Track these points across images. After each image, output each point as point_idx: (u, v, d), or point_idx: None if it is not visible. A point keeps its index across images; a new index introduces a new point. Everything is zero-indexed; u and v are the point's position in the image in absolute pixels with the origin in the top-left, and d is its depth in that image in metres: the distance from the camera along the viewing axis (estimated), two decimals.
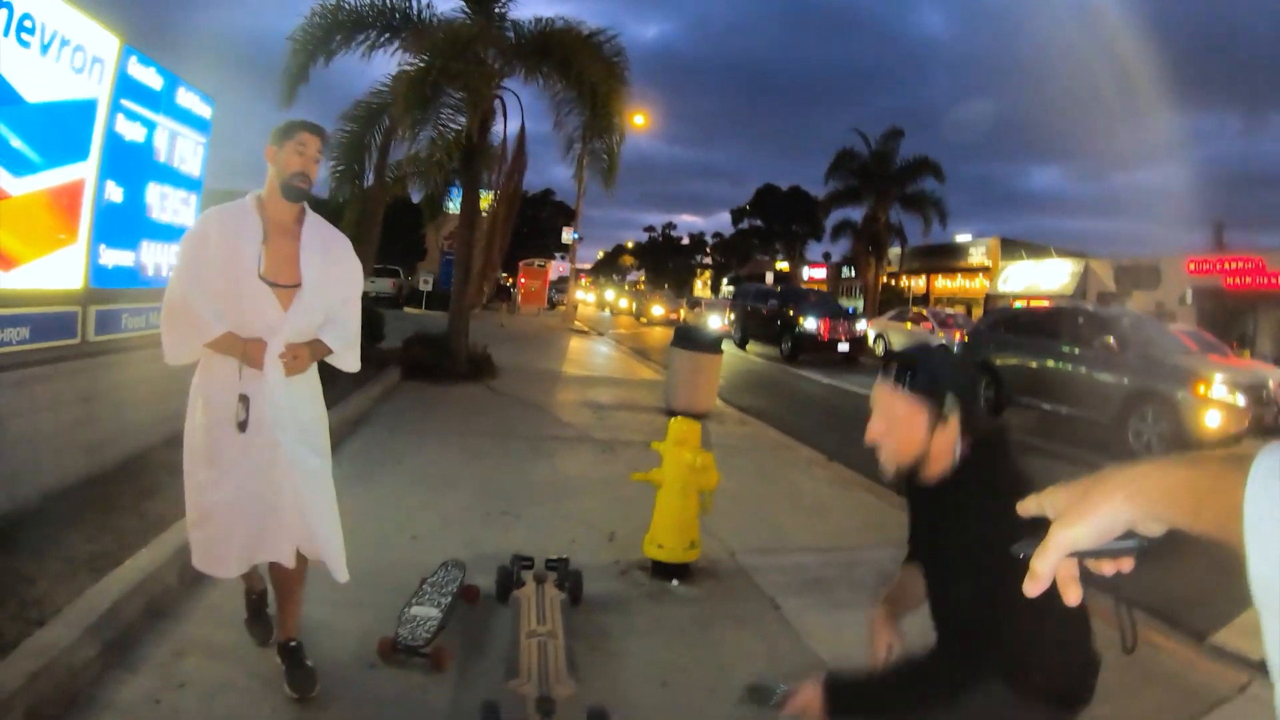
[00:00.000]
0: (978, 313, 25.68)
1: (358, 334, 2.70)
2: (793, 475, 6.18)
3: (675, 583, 3.71)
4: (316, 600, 2.86)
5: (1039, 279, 25.97)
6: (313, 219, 2.58)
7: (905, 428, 1.62)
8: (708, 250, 66.13)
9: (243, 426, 2.40)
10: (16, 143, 3.40)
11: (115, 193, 4.24)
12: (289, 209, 2.49)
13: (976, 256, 30.74)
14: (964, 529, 1.54)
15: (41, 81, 3.51)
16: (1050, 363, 9.82)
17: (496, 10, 9.52)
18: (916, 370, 1.62)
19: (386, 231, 11.12)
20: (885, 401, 1.65)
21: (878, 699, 1.60)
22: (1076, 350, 9.54)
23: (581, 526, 4.52)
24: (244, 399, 2.40)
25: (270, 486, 2.44)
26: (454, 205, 13.36)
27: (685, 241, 69.56)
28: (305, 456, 2.49)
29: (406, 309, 24.37)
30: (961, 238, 32.46)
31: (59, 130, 3.71)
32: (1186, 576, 4.70)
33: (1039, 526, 0.74)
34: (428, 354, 9.86)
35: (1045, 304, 12.78)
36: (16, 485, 3.61)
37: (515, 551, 3.61)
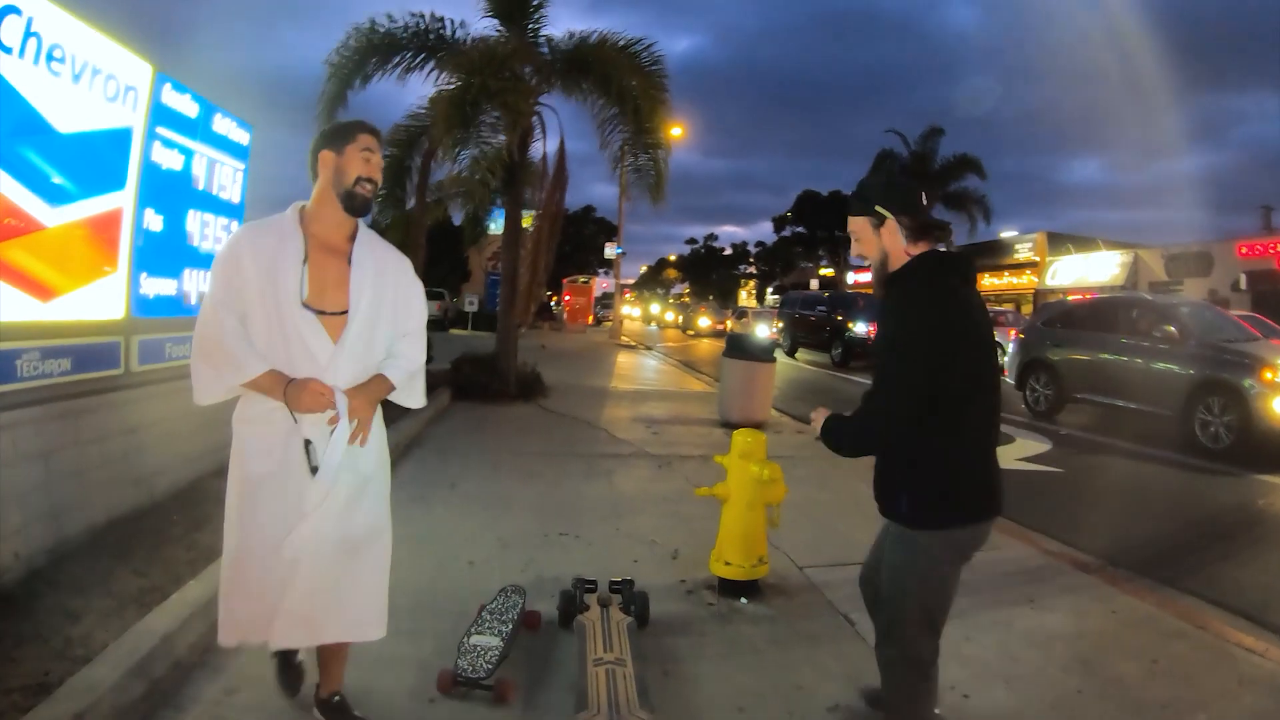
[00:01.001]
0: (1027, 310, 25.41)
1: (422, 367, 2.38)
2: (855, 483, 5.98)
3: (744, 601, 3.58)
4: None
5: (1088, 272, 25.52)
6: (365, 235, 2.26)
7: (862, 239, 2.20)
8: (751, 260, 65.74)
9: (315, 471, 2.09)
10: (50, 173, 3.35)
11: (154, 221, 4.20)
12: (342, 224, 2.19)
13: (1023, 252, 30.22)
14: (883, 320, 2.16)
15: (73, 111, 3.47)
16: (1108, 356, 9.54)
17: (530, 27, 9.49)
18: (854, 196, 2.21)
19: (430, 254, 11.17)
20: (850, 226, 2.23)
21: (839, 431, 2.21)
22: (1135, 342, 9.26)
23: (643, 545, 4.36)
24: (308, 443, 2.09)
25: (322, 557, 2.13)
26: (496, 226, 13.38)
27: (728, 252, 69.31)
28: (365, 518, 2.23)
29: (453, 330, 24.67)
30: (1007, 234, 32.02)
31: (94, 160, 3.66)
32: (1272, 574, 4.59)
33: None
34: (477, 374, 9.84)
35: (1098, 296, 12.30)
36: (63, 519, 3.54)
37: (577, 574, 3.49)
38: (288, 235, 2.12)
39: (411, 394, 2.35)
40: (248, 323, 2.06)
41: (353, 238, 2.22)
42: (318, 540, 2.11)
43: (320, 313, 2.09)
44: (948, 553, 2.13)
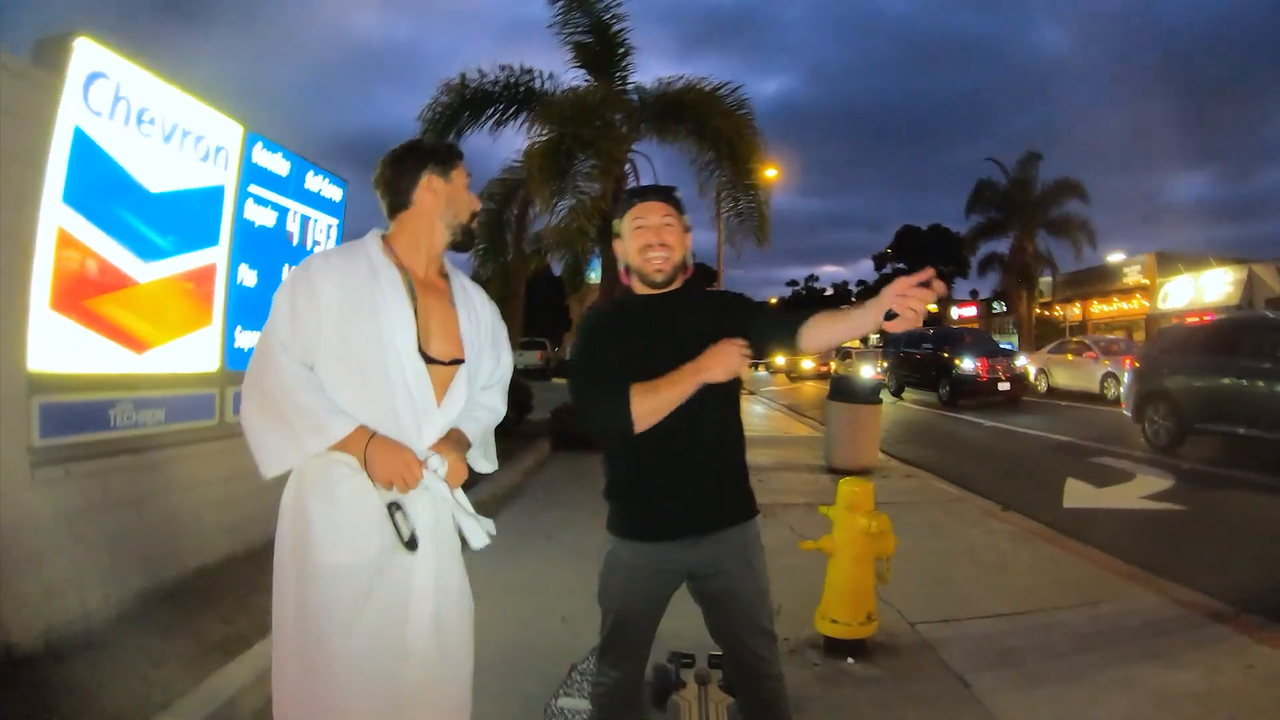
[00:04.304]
0: (1139, 336, 24.08)
1: (495, 424, 2.06)
2: (968, 530, 5.67)
3: (851, 661, 3.36)
4: None
5: (1201, 292, 23.61)
6: (455, 272, 1.98)
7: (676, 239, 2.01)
8: (853, 299, 64.62)
9: (413, 544, 1.72)
10: (142, 230, 3.49)
11: (248, 276, 4.34)
12: (438, 259, 1.91)
13: (1132, 276, 28.43)
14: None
15: (164, 170, 3.63)
16: (1230, 381, 8.72)
17: (618, 75, 9.64)
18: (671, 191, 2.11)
19: (531, 304, 11.33)
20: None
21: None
22: (1258, 364, 8.39)
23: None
24: (396, 509, 1.73)
25: (412, 662, 1.79)
26: (596, 275, 13.53)
27: (829, 292, 68.42)
28: (457, 596, 1.89)
29: (555, 380, 25.03)
30: (1113, 258, 30.21)
31: (186, 217, 3.81)
32: None
33: None
34: (577, 424, 9.71)
35: (1215, 318, 11.19)
36: (154, 564, 3.60)
37: (673, 631, 3.18)
38: (380, 267, 1.78)
39: (486, 454, 2.01)
40: (320, 370, 1.73)
41: (444, 274, 1.94)
42: (424, 647, 1.78)
43: (430, 361, 1.78)
44: None
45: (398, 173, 1.86)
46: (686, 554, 1.97)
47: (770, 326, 1.95)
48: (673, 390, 1.83)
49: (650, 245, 1.95)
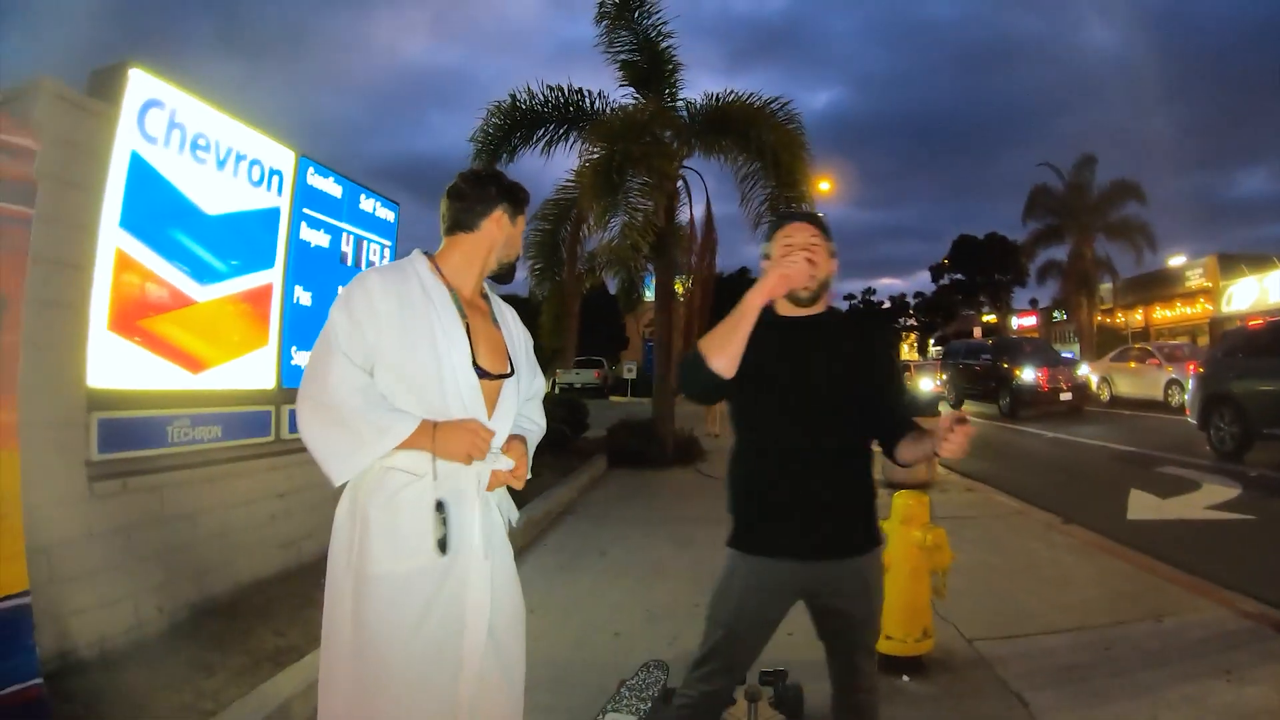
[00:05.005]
0: (1203, 341, 23.10)
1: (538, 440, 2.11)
2: (1029, 543, 5.55)
3: (906, 679, 3.29)
4: None
5: (1266, 293, 22.64)
6: (492, 293, 2.08)
7: (823, 262, 1.99)
8: (911, 312, 63.13)
9: (443, 546, 1.73)
10: (198, 252, 3.63)
11: (304, 297, 4.46)
12: (479, 283, 1.97)
13: (1194, 279, 27.30)
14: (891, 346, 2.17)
15: (219, 194, 3.77)
16: None
17: (666, 92, 9.66)
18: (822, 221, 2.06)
19: (588, 323, 11.38)
20: (814, 236, 1.99)
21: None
22: None
23: (798, 615, 3.91)
24: (441, 508, 1.74)
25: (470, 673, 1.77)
26: (651, 293, 13.57)
27: (887, 305, 66.72)
28: (512, 608, 1.90)
29: (613, 398, 25.20)
30: (1175, 262, 29.11)
31: (242, 239, 3.95)
32: None
33: None
34: (633, 440, 9.81)
35: (1276, 318, 10.58)
36: (208, 577, 3.70)
37: None
38: (430, 286, 1.84)
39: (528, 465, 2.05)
40: (376, 383, 1.77)
41: (485, 295, 2.02)
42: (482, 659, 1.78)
43: (483, 375, 1.84)
44: None
45: (477, 198, 1.93)
46: (804, 573, 1.99)
47: (887, 412, 2.01)
48: (734, 318, 1.85)
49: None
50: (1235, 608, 3.98)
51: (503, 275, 2.00)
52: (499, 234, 1.93)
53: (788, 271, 1.85)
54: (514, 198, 1.97)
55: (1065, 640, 3.69)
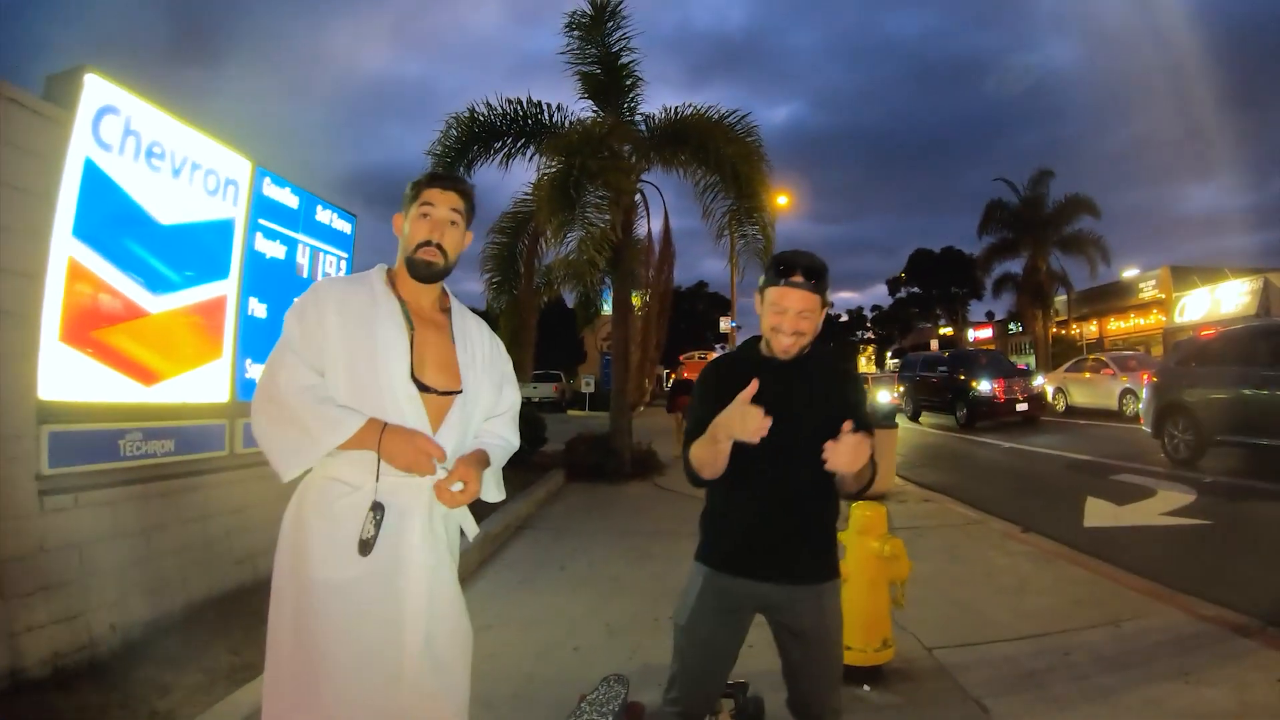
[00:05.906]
0: (1156, 351, 23.89)
1: (509, 455, 2.07)
2: (987, 552, 5.61)
3: (866, 688, 3.31)
4: None
5: (1218, 304, 23.30)
6: (459, 308, 2.02)
7: (812, 317, 2.05)
8: (868, 325, 64.32)
9: (366, 547, 1.71)
10: (151, 262, 3.55)
11: (258, 309, 4.39)
12: (425, 292, 1.92)
13: (1147, 291, 28.51)
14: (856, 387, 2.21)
15: (174, 204, 3.70)
16: (1250, 391, 8.59)
17: (625, 106, 9.75)
18: (823, 275, 2.06)
19: (546, 337, 11.35)
20: (807, 304, 2.04)
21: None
22: (1278, 373, 8.34)
23: (758, 628, 3.95)
24: (377, 510, 1.73)
25: (406, 678, 1.76)
26: (608, 307, 13.59)
27: (844, 319, 67.96)
28: (453, 623, 1.86)
29: (570, 411, 25.03)
30: (1128, 274, 30.39)
31: (196, 250, 3.88)
32: None
33: None
34: (591, 454, 9.78)
35: (1229, 328, 11.07)
36: (162, 594, 3.60)
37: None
38: (380, 297, 1.85)
39: (496, 484, 2.01)
40: (333, 387, 1.78)
41: (444, 308, 1.98)
42: (416, 670, 1.76)
43: (424, 389, 1.82)
44: None
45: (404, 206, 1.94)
46: (764, 591, 2.06)
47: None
48: (710, 446, 1.92)
49: (781, 331, 2.01)
50: (1192, 611, 4.06)
51: (416, 274, 1.90)
52: (401, 237, 1.91)
53: (756, 426, 1.80)
54: (404, 197, 1.93)
55: (1025, 647, 3.73)
